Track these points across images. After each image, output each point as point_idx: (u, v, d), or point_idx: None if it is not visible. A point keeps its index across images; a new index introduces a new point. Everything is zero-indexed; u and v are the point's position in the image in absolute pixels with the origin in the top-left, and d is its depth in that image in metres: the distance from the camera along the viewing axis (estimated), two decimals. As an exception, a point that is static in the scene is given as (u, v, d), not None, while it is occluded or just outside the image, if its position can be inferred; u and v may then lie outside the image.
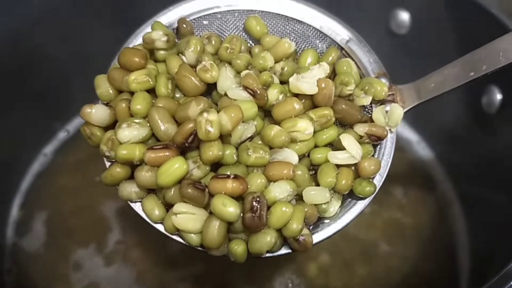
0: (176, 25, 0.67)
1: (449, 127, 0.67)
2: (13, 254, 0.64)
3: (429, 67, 0.65)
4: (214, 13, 0.69)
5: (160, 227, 0.57)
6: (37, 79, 0.69)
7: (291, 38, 0.69)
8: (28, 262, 0.63)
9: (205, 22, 0.69)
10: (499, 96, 0.59)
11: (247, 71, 0.60)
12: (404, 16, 0.66)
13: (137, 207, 0.59)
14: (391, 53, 0.69)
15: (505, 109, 0.59)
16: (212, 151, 0.54)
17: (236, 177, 0.54)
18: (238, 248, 0.55)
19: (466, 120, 0.64)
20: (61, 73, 0.71)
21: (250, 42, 0.70)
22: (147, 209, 0.57)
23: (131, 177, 0.58)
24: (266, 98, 0.58)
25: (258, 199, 0.53)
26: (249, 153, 0.56)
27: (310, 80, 0.59)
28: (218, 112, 0.57)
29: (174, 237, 0.57)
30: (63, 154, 0.73)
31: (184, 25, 0.66)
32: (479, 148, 0.64)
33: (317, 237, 0.59)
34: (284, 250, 0.58)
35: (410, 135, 0.75)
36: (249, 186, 0.54)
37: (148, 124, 0.56)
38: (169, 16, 0.68)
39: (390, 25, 0.68)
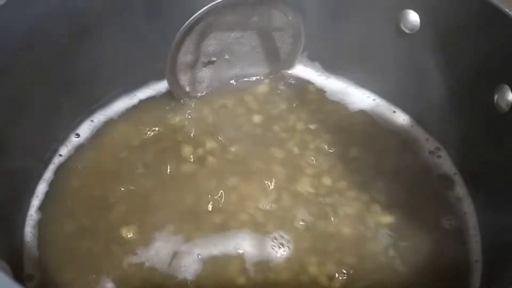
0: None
1: (463, 130, 0.67)
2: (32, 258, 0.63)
3: (440, 65, 0.66)
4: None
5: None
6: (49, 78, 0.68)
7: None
8: (49, 266, 0.64)
9: None
10: (510, 95, 0.58)
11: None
12: (415, 16, 0.66)
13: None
14: (402, 52, 0.70)
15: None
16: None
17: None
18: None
19: (478, 121, 0.63)
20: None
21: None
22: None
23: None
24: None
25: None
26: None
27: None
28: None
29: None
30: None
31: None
32: (493, 149, 0.63)
33: None
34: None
35: (419, 133, 0.74)
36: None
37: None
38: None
39: (401, 25, 0.68)
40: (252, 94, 0.77)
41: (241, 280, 0.60)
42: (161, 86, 0.77)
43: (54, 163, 0.70)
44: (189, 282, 0.59)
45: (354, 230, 0.63)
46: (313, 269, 0.61)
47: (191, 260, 0.61)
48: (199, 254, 0.61)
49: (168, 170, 0.68)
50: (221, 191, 0.66)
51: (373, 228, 0.64)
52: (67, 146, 0.71)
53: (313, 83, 0.79)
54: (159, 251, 0.62)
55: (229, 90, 0.77)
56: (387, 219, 0.65)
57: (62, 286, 0.60)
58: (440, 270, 0.61)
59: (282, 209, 0.65)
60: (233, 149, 0.70)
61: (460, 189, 0.68)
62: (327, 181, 0.67)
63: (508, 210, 0.59)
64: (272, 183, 0.67)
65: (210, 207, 0.65)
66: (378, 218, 0.65)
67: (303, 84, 0.79)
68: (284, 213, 0.65)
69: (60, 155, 0.70)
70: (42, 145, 0.69)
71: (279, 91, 0.78)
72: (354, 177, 0.68)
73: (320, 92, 0.78)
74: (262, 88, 0.78)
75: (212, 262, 0.61)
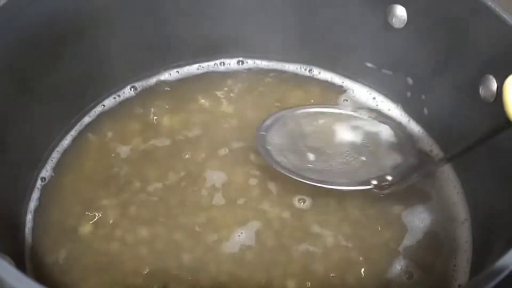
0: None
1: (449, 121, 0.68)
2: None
3: (429, 58, 0.68)
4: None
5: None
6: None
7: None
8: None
9: None
10: (495, 85, 0.59)
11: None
12: (402, 10, 0.67)
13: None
14: (391, 46, 0.71)
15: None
16: None
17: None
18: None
19: (464, 110, 0.65)
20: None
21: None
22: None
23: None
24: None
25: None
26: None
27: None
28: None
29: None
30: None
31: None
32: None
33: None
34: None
35: (414, 127, 0.76)
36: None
37: None
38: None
39: (389, 19, 0.69)
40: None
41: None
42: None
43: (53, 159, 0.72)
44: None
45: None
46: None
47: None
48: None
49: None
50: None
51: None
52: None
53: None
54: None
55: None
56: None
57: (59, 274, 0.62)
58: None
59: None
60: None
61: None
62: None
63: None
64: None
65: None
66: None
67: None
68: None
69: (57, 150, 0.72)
70: (43, 140, 0.71)
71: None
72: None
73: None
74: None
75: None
